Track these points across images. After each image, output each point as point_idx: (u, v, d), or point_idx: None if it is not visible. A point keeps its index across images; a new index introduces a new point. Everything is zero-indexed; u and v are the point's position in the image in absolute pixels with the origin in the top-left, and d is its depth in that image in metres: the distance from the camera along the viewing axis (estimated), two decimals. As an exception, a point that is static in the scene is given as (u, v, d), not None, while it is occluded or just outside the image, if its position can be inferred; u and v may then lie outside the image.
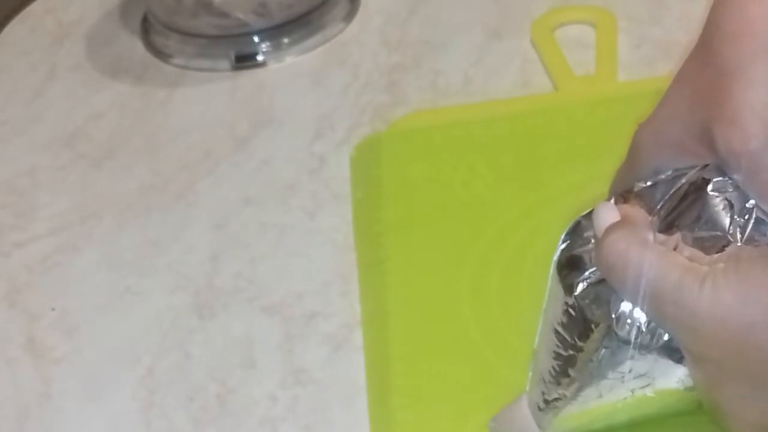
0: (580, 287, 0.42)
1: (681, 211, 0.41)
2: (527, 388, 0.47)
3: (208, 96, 0.76)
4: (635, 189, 0.43)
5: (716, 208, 0.40)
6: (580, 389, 0.44)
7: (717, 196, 0.41)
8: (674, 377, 0.42)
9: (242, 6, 0.78)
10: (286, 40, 0.79)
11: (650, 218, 0.42)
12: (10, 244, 0.67)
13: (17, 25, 0.86)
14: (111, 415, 0.56)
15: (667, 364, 0.41)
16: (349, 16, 0.81)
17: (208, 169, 0.70)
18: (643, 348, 0.41)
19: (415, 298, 0.59)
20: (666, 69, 0.72)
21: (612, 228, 0.41)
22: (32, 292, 0.63)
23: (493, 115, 0.70)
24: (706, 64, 0.41)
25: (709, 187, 0.41)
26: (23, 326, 0.61)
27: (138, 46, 0.81)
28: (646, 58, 0.73)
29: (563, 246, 0.43)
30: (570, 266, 0.42)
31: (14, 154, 0.73)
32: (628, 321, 0.40)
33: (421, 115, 0.71)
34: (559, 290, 0.42)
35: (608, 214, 0.42)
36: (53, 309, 0.62)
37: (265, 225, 0.65)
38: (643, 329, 0.40)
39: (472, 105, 0.71)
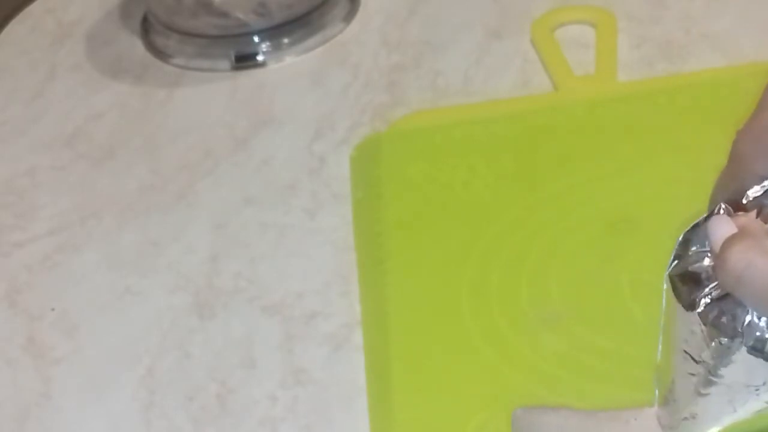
0: (703, 303, 0.41)
1: None
2: (655, 406, 0.46)
3: (208, 96, 0.76)
4: (745, 198, 0.42)
5: None
6: (712, 405, 0.43)
7: None
8: None
9: (242, 6, 0.78)
10: (286, 40, 0.79)
11: (767, 226, 0.41)
12: (10, 244, 0.67)
13: (17, 25, 0.86)
14: (111, 415, 0.56)
15: None
16: (349, 16, 0.81)
17: (208, 169, 0.70)
18: None
19: (415, 298, 0.59)
20: (666, 69, 0.72)
21: (732, 240, 0.40)
22: (32, 292, 0.63)
23: (493, 115, 0.70)
24: None
25: None
26: (23, 326, 0.61)
27: (138, 46, 0.81)
28: (646, 58, 0.73)
29: (675, 263, 0.42)
30: (687, 283, 0.42)
31: (14, 154, 0.73)
32: (757, 333, 0.40)
33: (421, 115, 0.71)
34: (679, 308, 0.42)
35: (724, 226, 0.41)
36: (53, 309, 0.62)
37: (265, 225, 0.65)
38: None
39: (472, 105, 0.71)
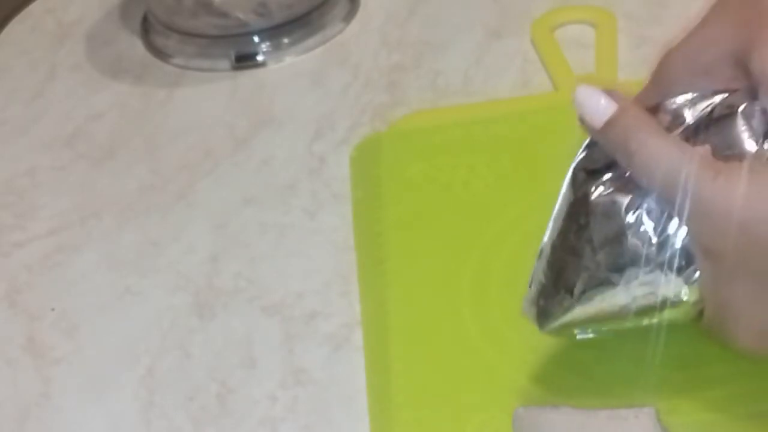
0: (596, 193, 0.44)
1: (710, 132, 0.43)
2: (530, 293, 0.48)
3: (208, 96, 0.76)
4: (672, 104, 0.44)
5: (743, 135, 0.42)
6: (583, 293, 0.45)
7: (744, 122, 0.42)
8: (677, 288, 0.44)
9: (242, 6, 0.78)
10: (286, 40, 0.79)
11: (676, 132, 0.43)
12: (10, 244, 0.67)
13: (17, 25, 0.86)
14: (111, 415, 0.56)
15: (670, 276, 0.43)
16: (349, 16, 0.81)
17: (208, 169, 0.70)
18: (651, 259, 0.42)
19: (415, 298, 0.59)
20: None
21: (630, 116, 0.42)
22: (32, 292, 0.63)
23: (493, 115, 0.70)
24: None
25: (740, 110, 0.42)
26: (23, 326, 0.61)
27: (138, 46, 0.81)
28: (646, 58, 0.73)
29: (582, 155, 0.45)
30: (587, 173, 0.45)
31: (14, 154, 0.73)
32: (641, 228, 0.42)
33: (421, 115, 0.71)
34: (571, 195, 0.44)
35: (602, 98, 0.44)
36: (53, 309, 0.62)
37: (265, 225, 0.65)
38: (654, 240, 0.42)
39: (472, 105, 0.71)
